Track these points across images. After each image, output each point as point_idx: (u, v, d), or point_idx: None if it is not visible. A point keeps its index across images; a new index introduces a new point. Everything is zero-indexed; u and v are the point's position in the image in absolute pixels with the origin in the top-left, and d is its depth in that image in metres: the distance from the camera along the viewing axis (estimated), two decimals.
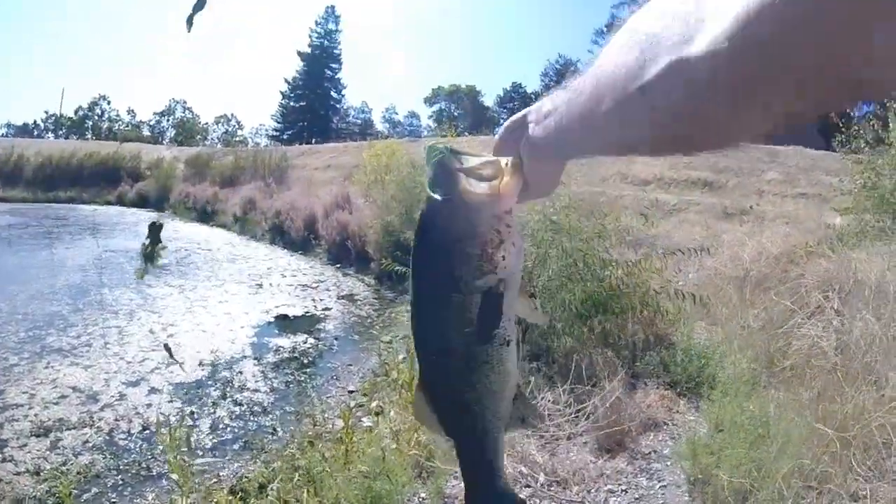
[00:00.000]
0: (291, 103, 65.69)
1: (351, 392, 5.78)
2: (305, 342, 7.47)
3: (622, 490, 3.33)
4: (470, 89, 73.55)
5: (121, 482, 4.44)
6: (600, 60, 0.59)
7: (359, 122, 72.89)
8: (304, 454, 4.12)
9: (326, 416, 5.00)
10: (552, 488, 3.27)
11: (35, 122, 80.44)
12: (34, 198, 27.20)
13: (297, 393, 5.92)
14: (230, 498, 3.65)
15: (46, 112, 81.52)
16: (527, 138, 0.73)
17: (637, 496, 3.30)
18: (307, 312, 9.01)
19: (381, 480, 3.19)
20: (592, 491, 3.28)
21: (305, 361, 6.82)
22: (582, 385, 4.16)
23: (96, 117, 77.69)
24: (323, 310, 9.09)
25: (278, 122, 66.51)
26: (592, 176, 5.83)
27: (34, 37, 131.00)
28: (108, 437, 5.05)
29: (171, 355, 5.62)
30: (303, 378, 6.31)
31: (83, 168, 29.37)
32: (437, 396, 0.83)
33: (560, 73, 46.52)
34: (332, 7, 66.89)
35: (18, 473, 4.51)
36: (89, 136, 67.02)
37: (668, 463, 3.58)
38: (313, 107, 64.29)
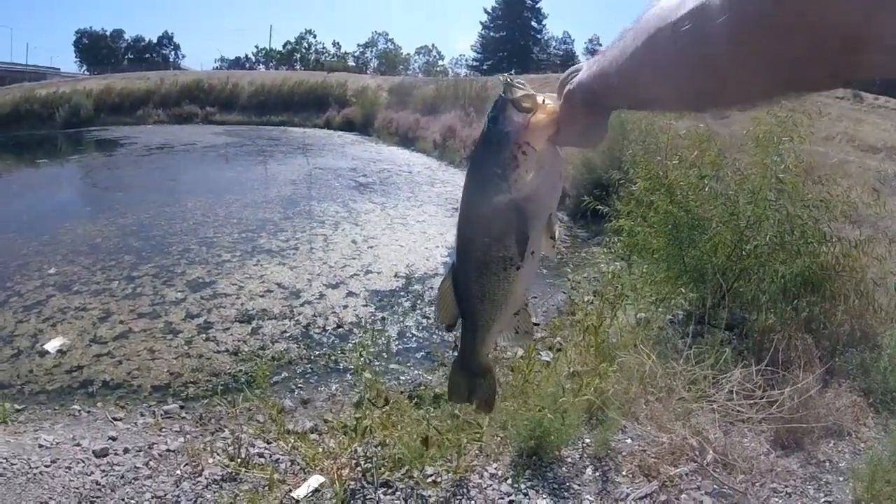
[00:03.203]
0: (491, 34, 65.33)
1: (534, 324, 5.73)
2: (526, 323, 7.37)
3: (787, 493, 3.03)
4: None
5: (309, 371, 4.88)
6: (645, 13, 0.62)
7: (560, 52, 69.18)
8: None
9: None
10: (717, 469, 3.06)
11: (246, 55, 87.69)
12: (248, 121, 29.90)
13: None
14: (408, 402, 3.83)
15: (257, 47, 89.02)
16: (571, 81, 0.78)
17: None
18: None
19: (553, 417, 3.15)
20: (757, 484, 3.02)
21: None
22: (774, 368, 3.79)
23: (304, 50, 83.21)
24: None
25: (478, 53, 66.91)
26: (816, 133, 5.09)
27: None
28: (304, 330, 5.55)
29: None
30: None
31: (293, 95, 31.47)
32: (458, 282, 0.96)
33: None
34: None
35: (219, 352, 5.12)
36: (298, 67, 72.11)
37: (841, 478, 3.17)
38: (513, 37, 63.48)
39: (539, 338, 5.15)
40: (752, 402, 3.50)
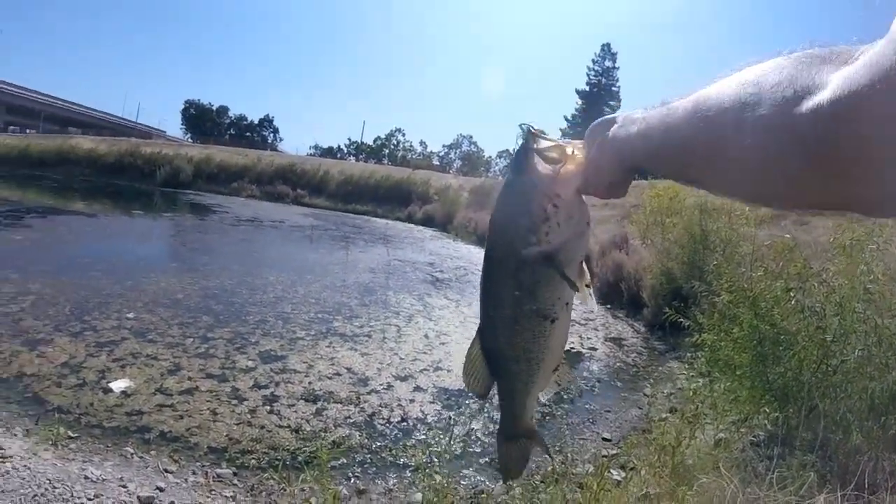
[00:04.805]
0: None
1: (605, 440, 5.50)
2: (567, 377, 7.27)
3: None
4: None
5: (369, 461, 4.74)
6: (704, 91, 0.60)
7: None
8: (547, 489, 3.99)
9: (576, 456, 4.81)
10: None
11: (339, 146, 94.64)
12: (335, 207, 31.67)
13: (550, 425, 5.77)
14: None
15: (349, 139, 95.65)
16: (605, 134, 0.78)
17: None
18: (572, 348, 8.69)
19: None
20: None
21: (564, 396, 6.62)
22: (860, 493, 3.42)
23: (392, 146, 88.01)
24: (589, 349, 8.81)
25: None
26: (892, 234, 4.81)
27: (341, 72, 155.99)
28: (367, 419, 5.46)
29: None
30: (559, 412, 6.14)
31: (379, 187, 33.20)
32: (488, 345, 0.92)
33: None
34: (609, 45, 66.92)
35: (280, 426, 5.07)
36: (385, 161, 75.94)
37: None
38: None
39: (611, 455, 4.87)
40: None
